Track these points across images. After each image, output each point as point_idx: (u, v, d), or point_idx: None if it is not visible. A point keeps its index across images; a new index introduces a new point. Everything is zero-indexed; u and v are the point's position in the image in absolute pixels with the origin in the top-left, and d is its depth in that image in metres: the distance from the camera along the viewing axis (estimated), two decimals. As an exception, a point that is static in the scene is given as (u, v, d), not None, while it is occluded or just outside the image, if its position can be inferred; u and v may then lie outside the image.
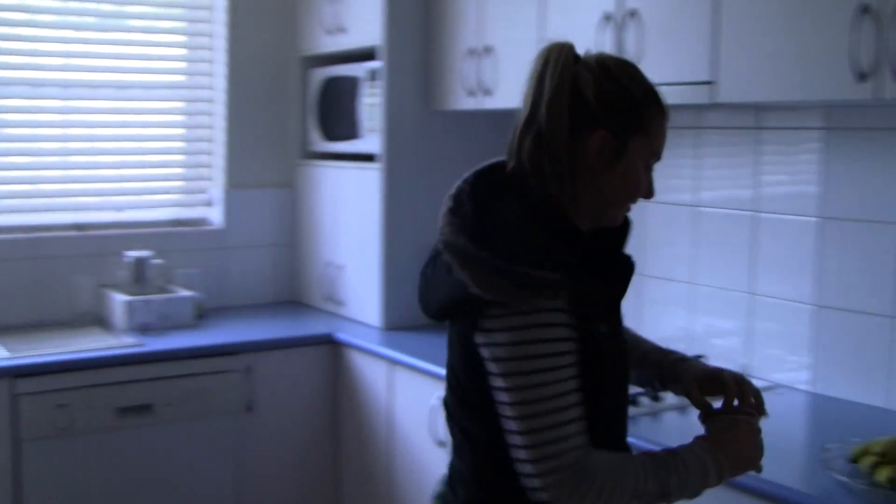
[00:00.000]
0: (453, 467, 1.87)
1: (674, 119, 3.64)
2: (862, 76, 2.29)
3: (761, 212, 3.08)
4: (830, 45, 2.37)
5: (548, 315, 1.63)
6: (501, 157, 1.79)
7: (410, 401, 3.40)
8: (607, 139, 1.70)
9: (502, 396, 1.66)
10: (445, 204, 1.75)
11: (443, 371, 3.32)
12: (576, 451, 1.63)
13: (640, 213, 3.44)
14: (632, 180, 1.74)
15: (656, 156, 1.77)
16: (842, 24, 2.33)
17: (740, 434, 1.78)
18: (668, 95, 2.81)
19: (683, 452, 1.71)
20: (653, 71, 2.84)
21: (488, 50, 3.47)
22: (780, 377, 3.03)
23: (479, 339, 1.67)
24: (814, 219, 2.93)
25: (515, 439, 1.65)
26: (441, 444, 3.19)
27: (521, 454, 1.64)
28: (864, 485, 2.06)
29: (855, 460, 2.15)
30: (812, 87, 2.45)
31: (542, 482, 1.62)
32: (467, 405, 1.78)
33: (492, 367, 1.66)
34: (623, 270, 1.82)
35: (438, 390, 3.19)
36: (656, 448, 1.76)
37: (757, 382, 1.94)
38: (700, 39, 2.69)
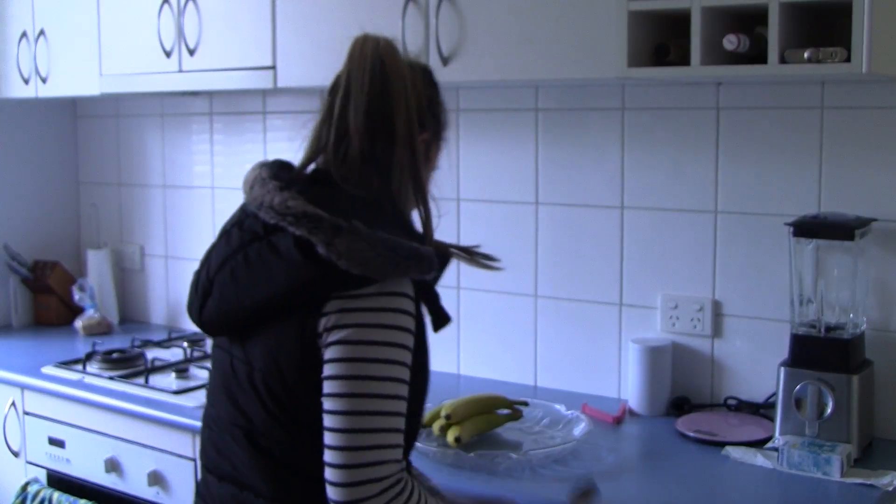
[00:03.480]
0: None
1: (241, 105, 3.64)
2: (445, 61, 2.38)
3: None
4: (383, 31, 2.47)
5: (407, 302, 1.53)
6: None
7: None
8: (428, 142, 1.70)
9: (333, 387, 1.49)
10: (262, 180, 1.63)
11: (13, 376, 3.10)
12: (396, 464, 1.50)
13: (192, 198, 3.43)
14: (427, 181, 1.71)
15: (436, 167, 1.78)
16: (394, 12, 2.44)
17: None
18: (233, 81, 2.84)
19: None
20: (215, 56, 2.85)
21: (43, 34, 3.29)
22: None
23: (323, 323, 1.50)
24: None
25: (335, 438, 1.48)
26: (14, 453, 3.01)
27: (335, 457, 1.47)
28: (436, 446, 2.19)
29: (427, 424, 2.27)
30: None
31: (351, 495, 1.46)
32: (294, 424, 1.57)
33: (331, 352, 1.50)
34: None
35: (10, 396, 3.03)
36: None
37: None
38: (261, 25, 2.71)
